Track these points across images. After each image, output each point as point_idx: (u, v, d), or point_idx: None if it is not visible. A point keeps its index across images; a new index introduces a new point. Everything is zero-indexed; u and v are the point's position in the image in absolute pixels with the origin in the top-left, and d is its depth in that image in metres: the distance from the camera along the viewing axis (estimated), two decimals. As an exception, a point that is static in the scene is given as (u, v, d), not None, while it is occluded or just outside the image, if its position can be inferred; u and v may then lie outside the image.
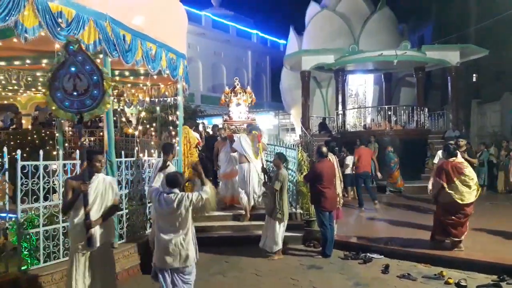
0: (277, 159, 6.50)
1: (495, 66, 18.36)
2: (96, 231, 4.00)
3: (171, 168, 5.27)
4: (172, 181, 4.19)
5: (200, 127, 12.56)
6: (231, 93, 9.72)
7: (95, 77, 3.92)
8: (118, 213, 5.75)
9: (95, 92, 3.93)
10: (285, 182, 6.30)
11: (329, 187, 6.50)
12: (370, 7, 20.73)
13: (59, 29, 4.28)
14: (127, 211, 6.04)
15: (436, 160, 8.01)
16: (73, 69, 3.90)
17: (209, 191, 4.24)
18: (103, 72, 3.95)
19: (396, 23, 20.88)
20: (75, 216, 3.98)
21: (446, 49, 16.60)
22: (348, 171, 10.86)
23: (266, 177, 6.65)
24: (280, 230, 6.37)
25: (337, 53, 16.95)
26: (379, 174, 10.58)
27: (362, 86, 20.29)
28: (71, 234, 4.05)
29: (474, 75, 20.23)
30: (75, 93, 3.91)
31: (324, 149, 6.71)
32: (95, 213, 4.01)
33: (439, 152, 7.94)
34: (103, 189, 4.12)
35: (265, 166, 6.97)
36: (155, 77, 7.31)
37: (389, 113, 15.55)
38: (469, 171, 6.11)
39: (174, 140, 9.19)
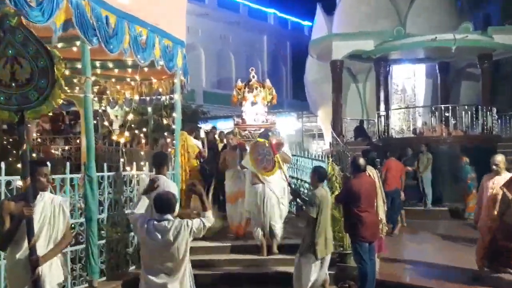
0: (313, 175, 6.18)
1: None
2: (45, 270, 3.78)
3: (164, 184, 5.22)
4: (163, 205, 4.10)
5: (202, 133, 12.61)
6: (245, 88, 9.63)
7: (41, 62, 3.58)
8: (99, 242, 5.78)
9: (42, 82, 3.59)
10: (323, 205, 5.93)
11: (368, 211, 6.41)
12: (420, -22, 20.72)
13: (28, 9, 4.32)
14: (107, 240, 6.05)
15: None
16: (10, 51, 3.56)
17: (212, 219, 4.20)
18: (53, 55, 3.62)
19: (454, -2, 20.88)
20: (15, 251, 3.74)
21: (520, 32, 16.46)
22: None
23: (297, 201, 6.43)
24: (315, 270, 6.00)
25: (378, 37, 16.92)
26: (402, 195, 10.50)
27: (411, 79, 20.22)
28: (10, 275, 3.86)
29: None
30: (13, 84, 3.58)
31: (362, 161, 6.64)
32: (43, 246, 3.79)
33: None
34: (52, 213, 3.90)
35: (291, 185, 6.74)
36: (146, 69, 7.34)
37: (446, 114, 15.41)
38: None
39: (170, 150, 9.23)
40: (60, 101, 3.86)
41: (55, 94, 3.65)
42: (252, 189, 7.46)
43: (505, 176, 6.62)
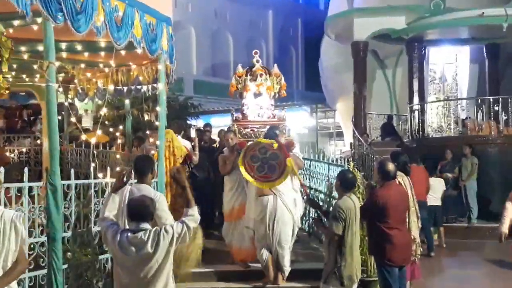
0: (338, 182, 6.13)
1: None
2: None
3: (138, 189, 5.23)
4: (138, 211, 4.14)
5: (193, 133, 12.64)
6: (247, 75, 9.39)
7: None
8: (64, 266, 5.79)
9: None
10: (351, 220, 5.83)
11: (398, 228, 6.39)
12: None
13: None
14: (73, 264, 6.06)
15: None
16: None
17: (197, 217, 4.23)
18: None
19: (506, -37, 20.81)
20: None
21: None
22: (433, 200, 10.91)
23: (317, 213, 6.50)
24: None
25: (412, 12, 16.97)
26: None
27: (452, 65, 20.25)
28: None
29: None
30: None
31: (391, 166, 6.62)
32: None
33: None
34: (1, 231, 3.82)
35: (308, 194, 6.81)
36: (122, 53, 7.32)
37: (496, 108, 15.37)
38: None
39: (153, 152, 9.23)
40: (5, 92, 3.74)
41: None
42: (258, 202, 7.27)
43: None
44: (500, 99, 15.70)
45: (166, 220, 5.04)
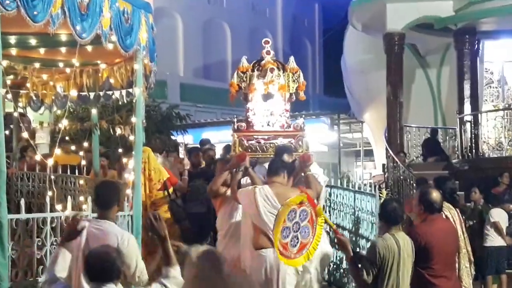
0: (379, 216, 6.19)
1: None
2: None
3: (110, 234, 5.15)
4: (101, 270, 3.99)
5: (182, 152, 12.62)
6: (253, 70, 9.01)
7: None
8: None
9: None
10: (390, 265, 5.76)
11: (445, 275, 6.35)
12: None
13: None
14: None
15: None
16: None
17: (180, 280, 4.23)
18: None
19: None
20: None
21: None
22: (493, 241, 10.98)
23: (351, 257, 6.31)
24: None
25: (461, -4, 17.02)
26: None
27: (514, 64, 20.27)
28: None
29: None
30: None
31: (436, 195, 6.62)
32: None
33: None
34: None
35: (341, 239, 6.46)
36: (89, 49, 7.40)
37: None
38: None
39: (128, 177, 9.20)
40: None
41: None
42: (255, 257, 7.04)
43: None
44: None
45: (137, 271, 5.03)
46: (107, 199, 5.37)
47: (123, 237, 5.14)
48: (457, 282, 6.62)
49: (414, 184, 14.23)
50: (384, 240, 5.73)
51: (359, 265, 5.67)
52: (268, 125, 8.90)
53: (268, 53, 9.00)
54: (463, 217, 8.61)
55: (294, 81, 9.07)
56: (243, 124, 8.93)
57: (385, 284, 5.65)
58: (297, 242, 6.08)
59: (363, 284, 5.64)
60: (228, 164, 7.83)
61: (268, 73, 8.80)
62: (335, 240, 6.27)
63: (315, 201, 6.63)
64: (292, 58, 9.34)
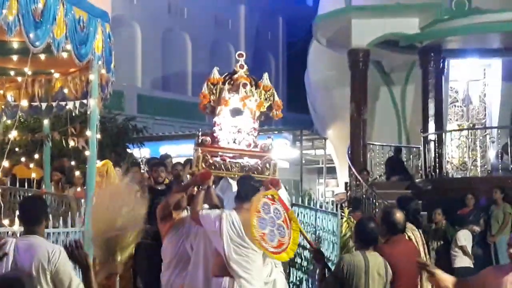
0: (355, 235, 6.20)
1: None
2: None
3: (38, 253, 4.91)
4: None
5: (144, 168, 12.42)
6: (224, 83, 8.66)
7: None
8: None
9: None
10: (353, 282, 5.74)
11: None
12: None
13: None
14: None
15: None
16: None
17: None
18: None
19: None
20: None
21: None
22: (461, 262, 11.25)
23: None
24: None
25: (427, 13, 17.29)
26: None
27: (479, 83, 20.58)
28: None
29: None
30: None
31: (399, 215, 6.62)
32: None
33: None
34: None
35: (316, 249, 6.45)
36: (42, 57, 7.37)
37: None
38: None
39: (78, 189, 9.00)
40: None
41: None
42: (213, 283, 6.73)
43: None
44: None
45: (73, 286, 4.83)
46: (33, 214, 5.20)
47: (54, 250, 4.95)
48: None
49: (377, 203, 14.34)
50: (351, 256, 5.81)
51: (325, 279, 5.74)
52: (234, 142, 8.47)
53: (241, 67, 8.64)
54: (426, 238, 8.67)
55: (266, 99, 8.75)
56: (208, 139, 8.43)
57: None
58: (274, 237, 6.23)
59: None
60: (184, 188, 7.74)
61: (240, 88, 8.47)
62: (310, 252, 6.48)
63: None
64: (266, 75, 9.04)
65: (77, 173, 10.82)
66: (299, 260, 9.50)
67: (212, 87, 8.57)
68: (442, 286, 5.91)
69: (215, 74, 8.59)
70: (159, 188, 9.46)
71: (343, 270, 5.67)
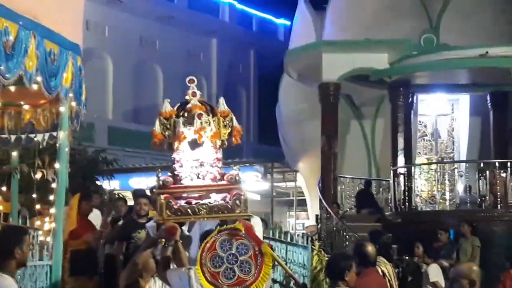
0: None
1: None
2: None
3: None
4: None
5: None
6: (178, 115, 7.85)
7: None
8: None
9: None
10: None
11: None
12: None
13: None
14: None
15: None
16: None
17: None
18: None
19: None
20: None
21: None
22: None
23: None
24: None
25: (396, 48, 17.51)
26: None
27: (447, 117, 20.86)
28: None
29: None
30: None
31: (370, 249, 6.72)
32: None
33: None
34: None
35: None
36: (12, 89, 7.35)
37: (504, 174, 15.75)
38: None
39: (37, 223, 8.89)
40: None
41: None
42: None
43: None
44: (509, 164, 16.03)
45: None
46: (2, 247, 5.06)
47: None
48: None
49: (347, 236, 14.39)
50: None
51: None
52: (198, 177, 7.62)
53: (193, 94, 7.68)
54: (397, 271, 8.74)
55: (225, 126, 7.75)
56: (170, 179, 7.60)
57: None
58: (234, 275, 5.76)
59: None
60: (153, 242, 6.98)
61: (196, 120, 7.60)
62: (293, 283, 6.10)
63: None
64: (222, 100, 7.87)
65: (39, 205, 10.76)
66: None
67: (165, 121, 7.78)
68: None
69: (167, 107, 7.75)
70: (140, 221, 8.95)
71: None
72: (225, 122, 7.59)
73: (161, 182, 7.41)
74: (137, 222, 9.06)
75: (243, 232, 5.87)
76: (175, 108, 7.61)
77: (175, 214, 6.98)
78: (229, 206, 7.19)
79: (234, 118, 7.67)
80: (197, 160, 7.51)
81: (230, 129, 7.61)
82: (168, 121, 7.62)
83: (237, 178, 7.38)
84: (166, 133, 7.57)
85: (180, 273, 5.99)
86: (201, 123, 7.42)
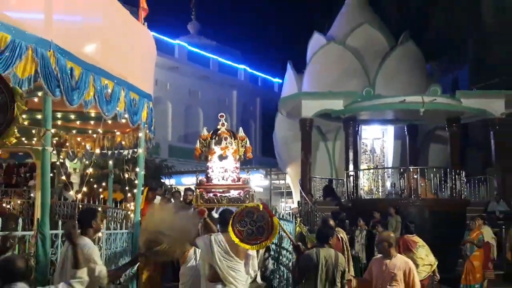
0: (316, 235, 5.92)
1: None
2: None
3: (85, 250, 4.61)
4: (5, 271, 3.42)
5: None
6: (212, 138, 8.19)
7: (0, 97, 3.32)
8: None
9: None
10: (310, 269, 5.49)
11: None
12: (389, 41, 21.47)
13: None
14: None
15: None
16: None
17: (85, 279, 3.68)
18: (15, 91, 3.47)
19: (423, 61, 21.67)
20: None
21: (488, 96, 17.23)
22: None
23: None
24: None
25: (348, 97, 17.46)
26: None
27: (380, 140, 20.73)
28: None
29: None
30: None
31: (332, 222, 6.68)
32: None
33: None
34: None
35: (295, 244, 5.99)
36: (109, 122, 7.27)
37: (415, 176, 15.72)
38: (420, 250, 8.20)
39: (131, 205, 8.89)
40: (13, 140, 3.59)
41: (10, 132, 3.45)
42: (210, 286, 5.75)
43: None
44: (418, 169, 16.07)
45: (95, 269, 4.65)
46: (86, 218, 5.06)
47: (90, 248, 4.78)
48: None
49: (317, 214, 14.33)
50: (311, 251, 5.58)
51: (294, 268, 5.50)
52: (223, 179, 7.95)
53: (222, 125, 8.26)
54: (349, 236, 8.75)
55: (242, 146, 8.22)
56: (204, 179, 8.01)
57: (310, 283, 5.44)
58: (252, 234, 5.66)
59: (297, 278, 5.51)
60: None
61: (223, 141, 8.05)
62: (290, 245, 5.91)
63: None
64: (241, 129, 8.52)
65: (129, 195, 10.77)
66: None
67: (203, 141, 8.18)
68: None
69: (204, 132, 8.29)
70: (187, 205, 8.79)
71: (303, 262, 5.58)
72: (242, 143, 8.14)
73: (198, 181, 7.99)
74: (185, 205, 9.05)
75: (262, 208, 5.79)
76: (210, 133, 8.21)
77: (206, 202, 7.55)
78: (242, 198, 7.70)
79: (248, 141, 8.24)
80: (223, 167, 7.96)
81: (244, 148, 8.13)
82: (205, 141, 8.16)
83: (248, 180, 8.03)
84: (203, 149, 8.17)
85: (204, 239, 5.76)
86: (226, 143, 7.99)
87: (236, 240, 5.66)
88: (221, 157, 8.01)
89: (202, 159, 8.32)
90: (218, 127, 8.24)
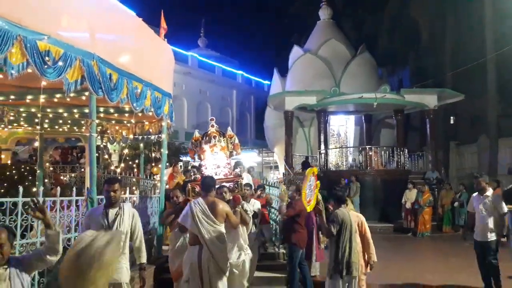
0: (333, 200, 5.33)
1: (470, 110, 19.05)
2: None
3: (126, 213, 4.40)
4: None
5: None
6: (203, 138, 7.16)
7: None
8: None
9: None
10: (345, 223, 4.95)
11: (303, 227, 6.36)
12: (351, 52, 21.49)
13: (45, 66, 4.31)
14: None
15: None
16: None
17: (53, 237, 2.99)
18: None
19: (376, 67, 21.65)
20: None
21: (424, 93, 17.21)
22: None
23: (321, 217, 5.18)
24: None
25: (319, 94, 17.35)
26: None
27: (344, 126, 20.61)
28: None
29: (452, 117, 20.89)
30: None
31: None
32: None
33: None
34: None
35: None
36: (139, 114, 7.25)
37: (370, 153, 15.83)
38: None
39: (157, 179, 8.90)
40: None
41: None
42: (190, 249, 4.88)
43: None
44: (372, 147, 16.17)
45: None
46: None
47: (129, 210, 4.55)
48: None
49: (297, 182, 14.41)
50: (340, 210, 5.05)
51: (329, 224, 4.97)
52: (216, 175, 6.77)
53: (212, 126, 7.31)
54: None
55: (231, 143, 7.19)
56: (198, 176, 6.79)
57: (344, 237, 4.94)
58: (309, 196, 5.02)
59: (331, 234, 4.94)
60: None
61: (212, 139, 7.10)
62: (314, 208, 5.16)
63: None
64: (229, 128, 7.46)
65: (155, 169, 10.74)
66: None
67: (194, 143, 7.29)
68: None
69: (196, 134, 7.40)
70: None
71: (340, 218, 4.97)
72: (230, 141, 7.17)
73: (193, 177, 6.91)
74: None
75: (315, 173, 5.22)
76: (201, 135, 7.31)
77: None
78: (232, 187, 6.63)
79: (236, 138, 7.21)
80: (215, 164, 7.06)
81: (232, 145, 7.17)
82: (197, 142, 7.25)
83: (239, 173, 7.07)
84: (196, 149, 7.26)
85: (186, 206, 4.94)
86: (215, 141, 7.05)
87: (307, 208, 5.06)
88: (211, 154, 7.05)
89: (196, 158, 7.42)
90: (209, 127, 7.29)
